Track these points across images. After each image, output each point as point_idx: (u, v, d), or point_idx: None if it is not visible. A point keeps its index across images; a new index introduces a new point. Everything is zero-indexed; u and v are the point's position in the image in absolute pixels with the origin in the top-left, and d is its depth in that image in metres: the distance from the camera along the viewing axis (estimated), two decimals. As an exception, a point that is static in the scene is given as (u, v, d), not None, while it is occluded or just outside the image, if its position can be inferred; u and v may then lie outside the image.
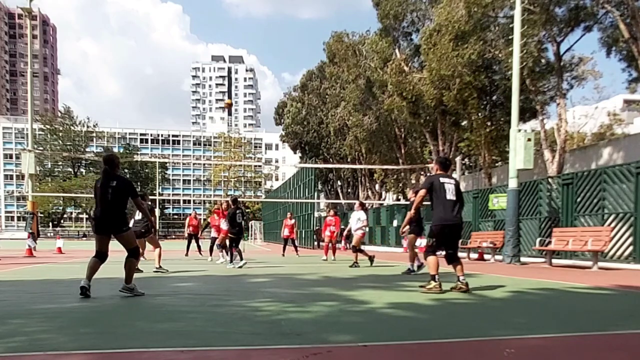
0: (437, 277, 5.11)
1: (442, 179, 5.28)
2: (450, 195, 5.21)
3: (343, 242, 23.35)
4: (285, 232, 15.38)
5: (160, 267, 8.21)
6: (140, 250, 7.96)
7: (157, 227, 9.16)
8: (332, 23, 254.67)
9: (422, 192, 5.26)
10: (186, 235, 15.20)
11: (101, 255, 5.11)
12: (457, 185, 5.39)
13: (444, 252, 5.30)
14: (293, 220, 15.85)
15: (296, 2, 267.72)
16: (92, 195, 5.29)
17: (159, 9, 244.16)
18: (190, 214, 15.67)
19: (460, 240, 5.91)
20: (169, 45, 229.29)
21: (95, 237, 5.15)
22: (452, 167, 5.73)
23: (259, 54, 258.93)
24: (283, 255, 15.00)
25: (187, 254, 14.55)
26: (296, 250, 15.68)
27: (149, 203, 8.25)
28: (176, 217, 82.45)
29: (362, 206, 10.56)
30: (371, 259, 10.09)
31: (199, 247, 15.08)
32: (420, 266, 8.03)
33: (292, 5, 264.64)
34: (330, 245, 12.75)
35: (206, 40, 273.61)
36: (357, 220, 10.12)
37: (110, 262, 7.35)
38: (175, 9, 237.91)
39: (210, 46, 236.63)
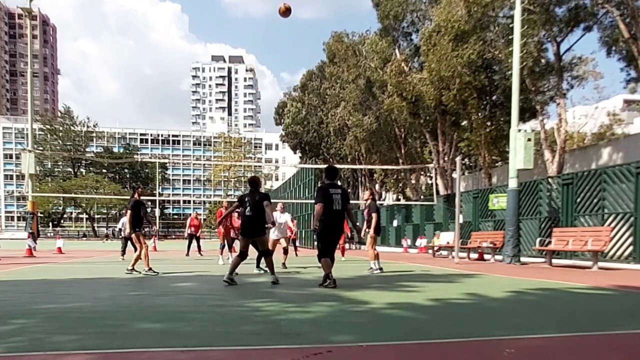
0: (330, 274, 5.78)
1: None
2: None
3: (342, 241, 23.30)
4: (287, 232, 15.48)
5: (150, 268, 7.87)
6: (138, 251, 7.86)
7: (157, 227, 8.92)
8: (331, 23, 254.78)
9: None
10: (186, 235, 15.21)
11: None
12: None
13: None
14: (294, 221, 15.96)
15: (296, 1, 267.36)
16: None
17: (157, 9, 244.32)
18: (191, 215, 15.70)
19: (460, 240, 6.06)
20: (168, 44, 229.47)
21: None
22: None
23: (258, 54, 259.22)
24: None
25: (187, 254, 14.56)
26: (296, 251, 15.72)
27: (136, 197, 7.92)
28: (176, 217, 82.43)
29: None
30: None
31: (199, 247, 15.09)
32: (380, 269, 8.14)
33: (291, 5, 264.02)
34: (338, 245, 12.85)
35: (205, 40, 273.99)
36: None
37: (110, 262, 7.38)
38: (174, 8, 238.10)
39: (209, 45, 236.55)
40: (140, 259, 7.73)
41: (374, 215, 8.12)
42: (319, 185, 7.37)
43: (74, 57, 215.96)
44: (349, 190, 42.71)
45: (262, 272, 8.16)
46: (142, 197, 8.19)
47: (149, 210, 9.14)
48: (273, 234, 8.86)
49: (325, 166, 6.30)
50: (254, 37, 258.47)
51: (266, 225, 6.37)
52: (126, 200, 48.56)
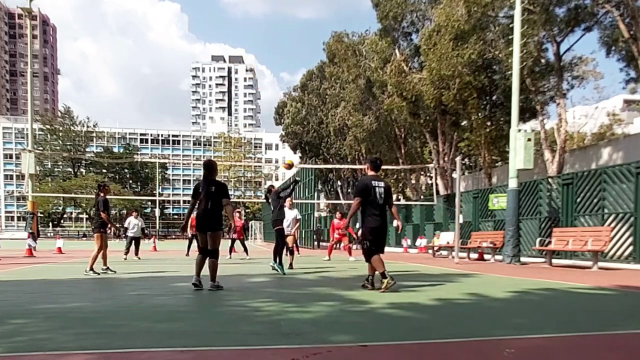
0: (386, 272, 5.26)
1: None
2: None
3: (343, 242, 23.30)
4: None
5: (108, 267, 7.89)
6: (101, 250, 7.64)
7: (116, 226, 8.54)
8: (330, 23, 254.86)
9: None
10: (190, 235, 15.16)
11: None
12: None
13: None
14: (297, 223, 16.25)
15: (295, 1, 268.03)
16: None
17: (157, 8, 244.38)
18: (192, 215, 15.67)
19: (460, 240, 5.94)
20: (168, 44, 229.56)
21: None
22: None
23: (258, 53, 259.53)
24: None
25: (187, 254, 14.55)
26: (297, 250, 15.74)
27: (102, 195, 7.67)
28: (176, 217, 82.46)
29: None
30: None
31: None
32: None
33: (291, 5, 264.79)
34: (339, 246, 12.93)
35: (204, 40, 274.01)
36: None
37: (110, 262, 7.37)
38: (174, 8, 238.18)
39: (208, 45, 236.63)
40: (96, 259, 7.63)
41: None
42: (360, 178, 7.05)
43: (73, 57, 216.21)
44: (348, 190, 42.82)
45: (279, 269, 7.78)
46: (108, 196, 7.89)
47: (148, 210, 9.09)
48: (287, 229, 8.84)
49: (371, 158, 5.69)
50: (253, 36, 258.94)
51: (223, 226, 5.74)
52: (126, 200, 48.75)
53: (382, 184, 5.43)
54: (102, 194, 7.68)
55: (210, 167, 5.57)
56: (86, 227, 74.05)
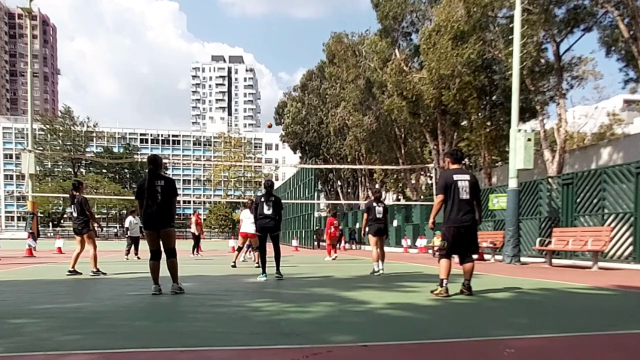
0: (444, 281, 4.88)
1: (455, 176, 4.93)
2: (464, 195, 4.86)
3: (343, 242, 23.38)
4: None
5: (97, 270, 7.52)
6: (79, 250, 7.49)
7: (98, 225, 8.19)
8: (329, 22, 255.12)
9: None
10: (197, 234, 15.14)
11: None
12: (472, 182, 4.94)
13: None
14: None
15: (292, 1, 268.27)
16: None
17: (154, 7, 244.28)
18: (195, 214, 15.72)
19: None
20: (166, 43, 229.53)
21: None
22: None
23: (256, 53, 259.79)
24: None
25: (193, 254, 14.48)
26: (297, 250, 15.99)
27: (82, 196, 7.41)
28: (176, 217, 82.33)
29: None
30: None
31: (198, 246, 15.07)
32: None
33: (288, 4, 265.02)
34: (340, 245, 13.15)
35: (202, 39, 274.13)
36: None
37: (111, 262, 7.39)
38: (172, 7, 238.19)
39: (206, 45, 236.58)
40: (96, 257, 7.52)
41: (364, 215, 8.25)
42: (441, 172, 6.46)
43: (70, 57, 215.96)
44: (349, 190, 42.82)
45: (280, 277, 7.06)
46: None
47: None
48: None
49: (450, 151, 5.26)
50: (251, 36, 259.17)
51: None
52: (126, 200, 48.75)
53: (466, 177, 4.91)
54: (77, 193, 7.42)
55: (155, 161, 5.33)
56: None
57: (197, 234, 14.68)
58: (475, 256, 5.15)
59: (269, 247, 6.99)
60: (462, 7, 16.77)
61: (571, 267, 9.72)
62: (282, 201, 7.45)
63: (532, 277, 7.18)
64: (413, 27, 24.20)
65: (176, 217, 5.25)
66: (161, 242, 5.24)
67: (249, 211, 8.90)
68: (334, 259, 12.61)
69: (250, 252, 11.44)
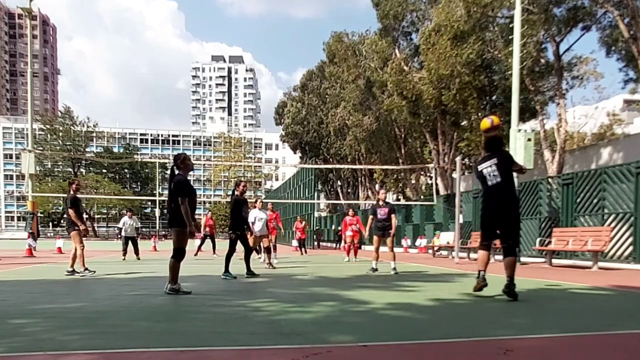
0: (481, 273, 4.73)
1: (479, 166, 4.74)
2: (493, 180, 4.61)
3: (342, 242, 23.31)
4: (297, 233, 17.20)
5: (73, 270, 7.32)
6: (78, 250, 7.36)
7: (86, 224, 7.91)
8: (327, 22, 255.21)
9: None
10: (203, 234, 15.22)
11: None
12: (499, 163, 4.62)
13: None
14: (303, 223, 17.27)
15: (291, 0, 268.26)
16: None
17: (152, 7, 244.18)
18: (206, 215, 15.79)
19: (460, 240, 5.58)
20: (164, 43, 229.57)
21: None
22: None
23: (255, 52, 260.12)
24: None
25: (197, 254, 14.45)
26: (300, 250, 16.57)
27: (71, 194, 7.38)
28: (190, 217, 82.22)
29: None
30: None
31: (214, 247, 15.04)
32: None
33: (287, 4, 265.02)
34: (351, 245, 13.00)
35: (201, 38, 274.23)
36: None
37: (111, 262, 7.40)
38: (170, 6, 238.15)
39: (205, 44, 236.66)
40: (83, 257, 7.42)
41: (370, 217, 8.39)
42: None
43: (70, 57, 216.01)
44: (349, 190, 42.81)
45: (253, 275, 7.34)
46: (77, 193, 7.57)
47: (148, 210, 8.99)
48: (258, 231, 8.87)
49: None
50: (250, 35, 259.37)
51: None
52: (127, 200, 48.72)
53: (493, 160, 4.59)
54: (71, 191, 7.39)
55: (174, 160, 5.40)
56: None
57: (209, 234, 15.04)
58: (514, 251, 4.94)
59: (239, 247, 7.39)
60: (461, 7, 16.76)
61: (571, 267, 9.72)
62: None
63: (532, 277, 7.17)
64: (413, 27, 24.19)
65: (190, 217, 5.13)
66: None
67: (257, 211, 9.00)
68: (356, 261, 12.16)
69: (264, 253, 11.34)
